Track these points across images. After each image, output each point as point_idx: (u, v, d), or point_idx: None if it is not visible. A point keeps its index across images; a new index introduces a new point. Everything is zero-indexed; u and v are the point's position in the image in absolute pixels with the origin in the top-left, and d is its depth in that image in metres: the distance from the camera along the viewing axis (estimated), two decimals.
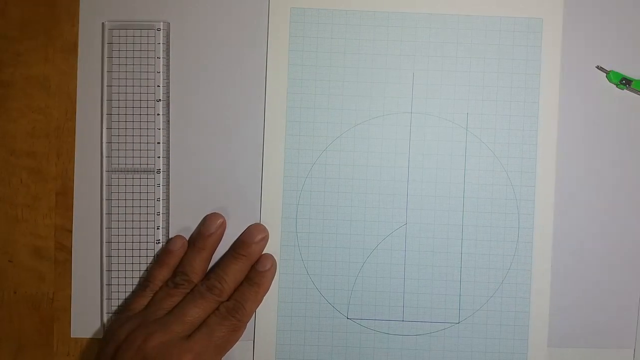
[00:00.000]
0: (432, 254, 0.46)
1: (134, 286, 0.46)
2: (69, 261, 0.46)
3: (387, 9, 0.46)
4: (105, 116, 0.45)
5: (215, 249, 0.45)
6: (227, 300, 0.44)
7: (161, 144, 0.45)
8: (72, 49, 0.46)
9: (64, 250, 0.46)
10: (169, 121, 0.46)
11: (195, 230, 0.46)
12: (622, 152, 0.46)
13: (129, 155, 0.45)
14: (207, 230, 0.45)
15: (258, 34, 0.46)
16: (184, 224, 0.46)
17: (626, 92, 0.46)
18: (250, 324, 0.45)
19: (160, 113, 0.45)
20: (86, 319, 0.46)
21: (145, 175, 0.45)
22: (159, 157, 0.45)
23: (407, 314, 0.46)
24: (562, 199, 0.46)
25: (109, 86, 0.45)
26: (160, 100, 0.45)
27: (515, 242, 0.46)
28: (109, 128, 0.45)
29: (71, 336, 0.46)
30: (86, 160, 0.46)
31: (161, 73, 0.45)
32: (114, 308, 0.46)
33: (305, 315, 0.46)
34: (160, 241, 0.46)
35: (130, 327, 0.42)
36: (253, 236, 0.45)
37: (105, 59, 0.45)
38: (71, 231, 0.46)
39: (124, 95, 0.45)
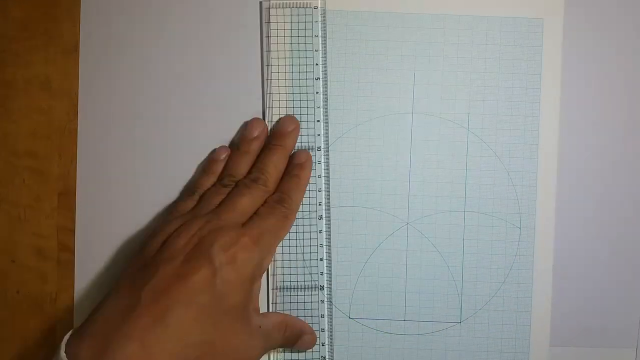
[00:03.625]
0: (434, 253, 0.46)
1: None
2: (71, 261, 0.46)
3: (388, 9, 0.46)
4: (266, 95, 0.46)
5: (257, 153, 0.45)
6: (273, 194, 0.44)
7: (321, 122, 0.46)
8: (73, 49, 0.46)
9: (67, 250, 0.46)
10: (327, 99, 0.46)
11: (237, 135, 0.46)
12: (624, 151, 0.46)
13: None
14: (251, 134, 0.45)
15: (258, 33, 0.46)
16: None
17: (628, 92, 0.46)
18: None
19: (320, 91, 0.46)
20: None
21: None
22: (319, 135, 0.46)
23: (408, 313, 0.46)
24: (564, 199, 0.46)
25: (268, 65, 0.45)
26: (319, 78, 0.46)
27: (517, 241, 0.46)
28: (270, 107, 0.46)
29: None
30: (88, 160, 0.46)
31: (320, 51, 0.46)
32: None
33: (307, 314, 0.46)
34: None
35: (180, 221, 0.41)
36: (286, 126, 0.45)
37: (264, 38, 0.46)
38: (74, 231, 0.46)
39: (284, 74, 0.46)
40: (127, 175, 0.46)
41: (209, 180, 0.45)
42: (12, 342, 0.46)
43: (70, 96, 0.46)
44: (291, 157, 0.45)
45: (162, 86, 0.46)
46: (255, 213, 0.42)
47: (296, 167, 0.45)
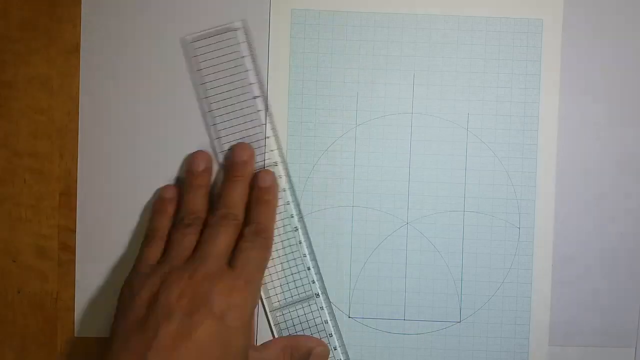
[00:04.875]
0: (433, 253, 0.46)
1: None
2: (72, 261, 0.46)
3: (388, 10, 0.46)
4: (210, 127, 0.46)
5: (209, 185, 0.45)
6: (245, 225, 0.43)
7: (272, 137, 0.46)
8: (73, 49, 0.46)
9: (68, 250, 0.46)
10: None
11: (185, 172, 0.45)
12: (623, 151, 0.46)
13: None
14: (198, 166, 0.44)
15: (259, 35, 0.46)
16: None
17: (627, 92, 0.46)
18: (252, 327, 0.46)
19: (262, 109, 0.46)
20: (90, 319, 0.46)
21: None
22: (272, 151, 0.46)
23: (408, 313, 0.46)
24: (563, 199, 0.46)
25: (206, 97, 0.45)
26: (258, 96, 0.46)
27: (516, 241, 0.46)
28: (217, 138, 0.46)
29: (75, 336, 0.46)
30: (89, 160, 0.46)
31: (252, 70, 0.45)
32: None
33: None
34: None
35: (161, 273, 0.40)
36: (240, 155, 0.44)
37: (195, 72, 0.45)
38: (74, 231, 0.46)
39: (222, 102, 0.46)
40: (127, 175, 0.46)
41: (164, 222, 0.44)
42: (12, 342, 0.46)
43: (71, 96, 0.46)
44: (254, 180, 0.44)
45: (162, 86, 0.46)
46: (236, 249, 0.42)
47: (263, 191, 0.44)
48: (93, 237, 0.46)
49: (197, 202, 0.44)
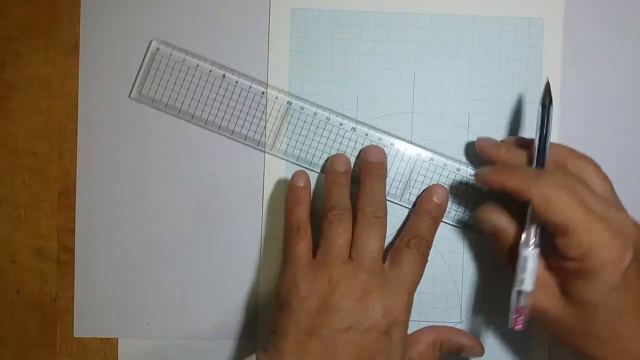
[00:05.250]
0: (434, 253, 0.45)
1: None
2: (71, 261, 0.46)
3: (388, 9, 0.46)
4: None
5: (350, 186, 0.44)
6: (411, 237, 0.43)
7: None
8: (73, 49, 0.46)
9: (67, 250, 0.46)
10: None
11: (326, 172, 0.44)
12: (624, 151, 0.46)
13: None
14: (339, 167, 0.44)
15: (258, 35, 0.46)
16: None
17: (628, 92, 0.46)
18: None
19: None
20: (89, 319, 0.46)
21: None
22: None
23: None
24: None
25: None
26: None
27: None
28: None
29: (74, 336, 0.46)
30: (88, 160, 0.46)
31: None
32: None
33: None
34: None
35: (326, 275, 0.40)
36: (378, 155, 0.44)
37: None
38: (73, 231, 0.46)
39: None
40: (127, 175, 0.46)
41: (303, 211, 0.43)
42: (12, 342, 0.46)
43: (70, 96, 0.46)
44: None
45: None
46: (400, 260, 0.41)
47: (427, 204, 0.44)
48: (92, 238, 0.46)
49: (344, 195, 0.43)
